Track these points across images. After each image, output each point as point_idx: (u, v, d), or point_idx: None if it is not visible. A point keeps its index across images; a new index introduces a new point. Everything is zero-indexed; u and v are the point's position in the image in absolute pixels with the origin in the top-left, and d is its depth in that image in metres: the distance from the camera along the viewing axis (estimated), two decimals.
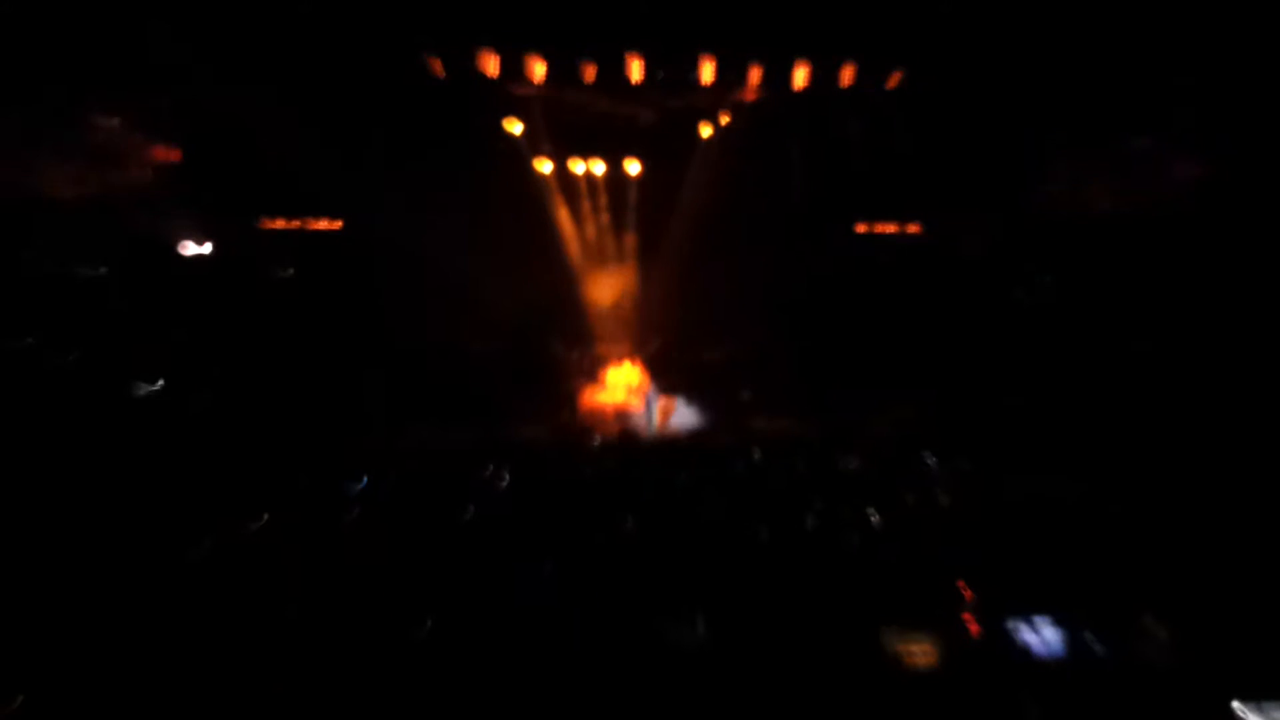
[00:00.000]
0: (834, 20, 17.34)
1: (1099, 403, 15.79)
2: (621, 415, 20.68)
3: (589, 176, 21.54)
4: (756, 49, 19.03)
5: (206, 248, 18.28)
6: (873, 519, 10.69)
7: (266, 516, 11.51)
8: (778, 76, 19.51)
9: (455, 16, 17.17)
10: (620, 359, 21.73)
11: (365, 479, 13.99)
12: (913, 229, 21.15)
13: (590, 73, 18.66)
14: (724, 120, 20.83)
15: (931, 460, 14.31)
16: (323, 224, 19.13)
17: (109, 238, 17.17)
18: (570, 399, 21.18)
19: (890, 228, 21.31)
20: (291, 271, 19.38)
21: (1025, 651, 7.28)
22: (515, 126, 20.16)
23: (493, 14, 17.13)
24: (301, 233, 19.17)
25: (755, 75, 19.42)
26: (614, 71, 18.87)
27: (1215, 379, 15.16)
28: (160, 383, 16.51)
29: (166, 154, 17.54)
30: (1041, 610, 7.52)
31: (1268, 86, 15.47)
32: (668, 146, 21.24)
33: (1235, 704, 6.21)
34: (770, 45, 18.77)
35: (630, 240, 22.27)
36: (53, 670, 6.85)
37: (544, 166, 20.97)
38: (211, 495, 12.40)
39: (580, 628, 8.18)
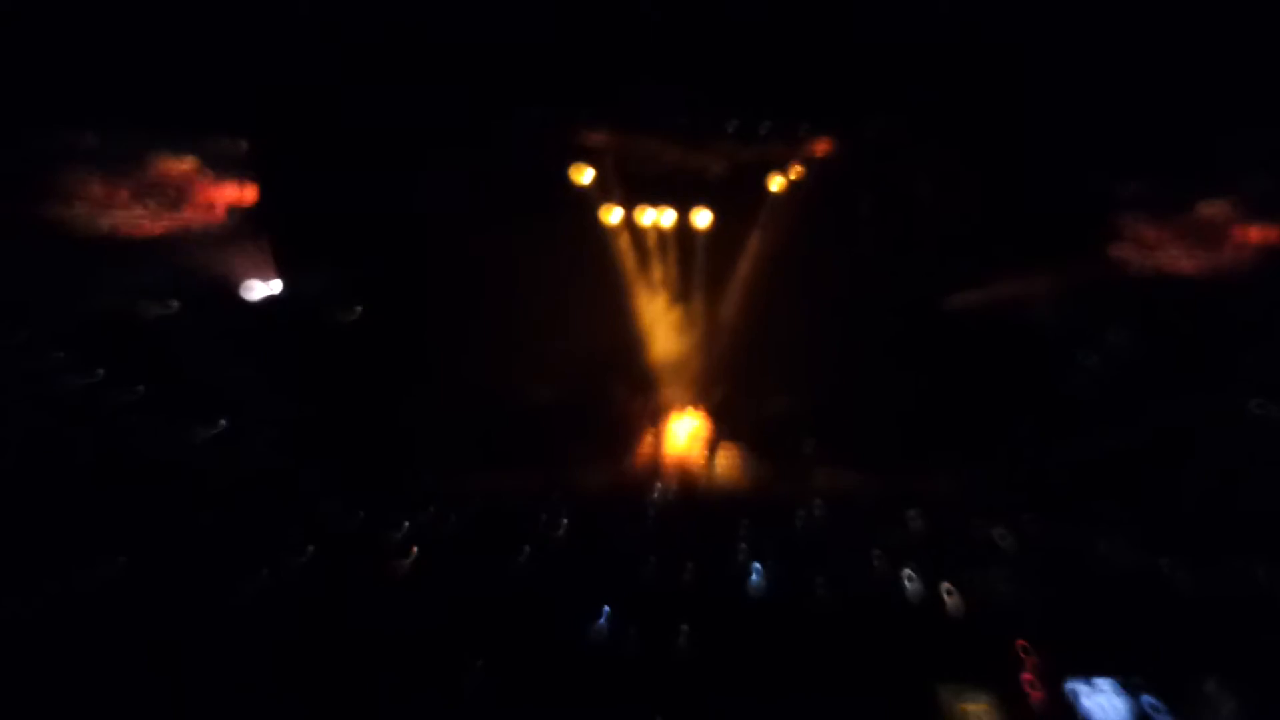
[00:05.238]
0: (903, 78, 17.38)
1: (1163, 468, 15.54)
2: (683, 464, 20.59)
3: (657, 226, 21.54)
4: (823, 111, 19.17)
5: (275, 287, 18.44)
6: (948, 596, 10.53)
7: (312, 549, 11.54)
8: (847, 132, 19.59)
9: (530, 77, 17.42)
10: (683, 407, 21.65)
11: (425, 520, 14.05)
12: (982, 289, 20.97)
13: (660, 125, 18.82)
14: (795, 173, 20.80)
15: (997, 530, 14.10)
16: (387, 266, 19.17)
17: (179, 276, 17.38)
18: (631, 446, 21.12)
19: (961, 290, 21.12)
20: (359, 311, 19.50)
21: (1085, 718, 7.13)
22: (584, 175, 20.23)
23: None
24: (367, 275, 19.28)
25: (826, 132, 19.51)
26: (683, 123, 19.00)
27: None
28: (223, 423, 16.65)
29: (240, 194, 17.75)
30: (1102, 673, 7.37)
31: None
32: (737, 198, 21.22)
33: None
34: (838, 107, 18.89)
35: (697, 290, 22.25)
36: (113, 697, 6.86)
37: (612, 215, 21.00)
38: (270, 531, 12.48)
39: (634, 673, 8.13)
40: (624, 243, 21.50)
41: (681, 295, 22.14)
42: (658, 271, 21.91)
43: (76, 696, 6.81)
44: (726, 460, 20.41)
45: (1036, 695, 7.42)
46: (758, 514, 15.77)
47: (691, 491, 18.89)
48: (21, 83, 15.48)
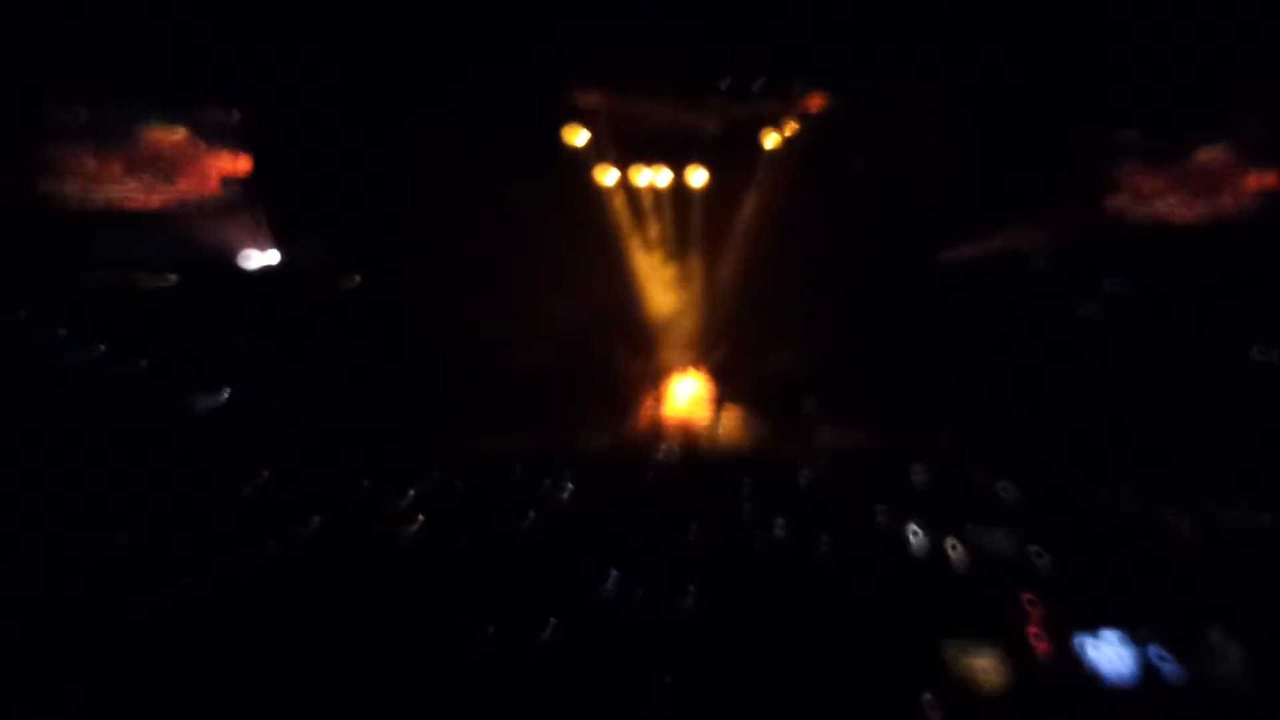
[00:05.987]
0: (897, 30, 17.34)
1: (1166, 417, 15.56)
2: (684, 424, 20.61)
3: (653, 187, 21.48)
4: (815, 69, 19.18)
5: (272, 257, 18.42)
6: (952, 550, 10.56)
7: (318, 520, 11.56)
8: (842, 87, 19.57)
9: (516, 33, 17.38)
10: (684, 368, 21.64)
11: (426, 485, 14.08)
12: (981, 242, 20.91)
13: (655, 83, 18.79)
14: (790, 129, 20.74)
15: (1001, 483, 14.12)
16: (383, 233, 19.11)
17: (176, 248, 17.37)
18: (632, 408, 21.13)
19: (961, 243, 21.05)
20: (358, 280, 19.48)
21: (1092, 670, 7.17)
22: (578, 136, 20.17)
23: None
24: (362, 242, 19.24)
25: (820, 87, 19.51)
26: (678, 82, 18.97)
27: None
28: (226, 392, 16.66)
29: (234, 164, 17.71)
30: (1108, 624, 7.40)
31: None
32: (732, 156, 21.17)
33: None
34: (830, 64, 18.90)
35: (694, 249, 22.20)
36: (104, 674, 6.89)
37: (607, 176, 20.94)
38: (273, 501, 12.52)
39: (642, 635, 8.16)
40: (620, 204, 21.44)
41: (679, 256, 22.09)
42: (654, 232, 21.86)
43: (80, 666, 6.85)
44: (728, 420, 20.43)
45: (1042, 648, 7.45)
46: (761, 473, 15.81)
47: (693, 452, 18.93)
48: (13, 56, 15.45)
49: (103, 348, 15.77)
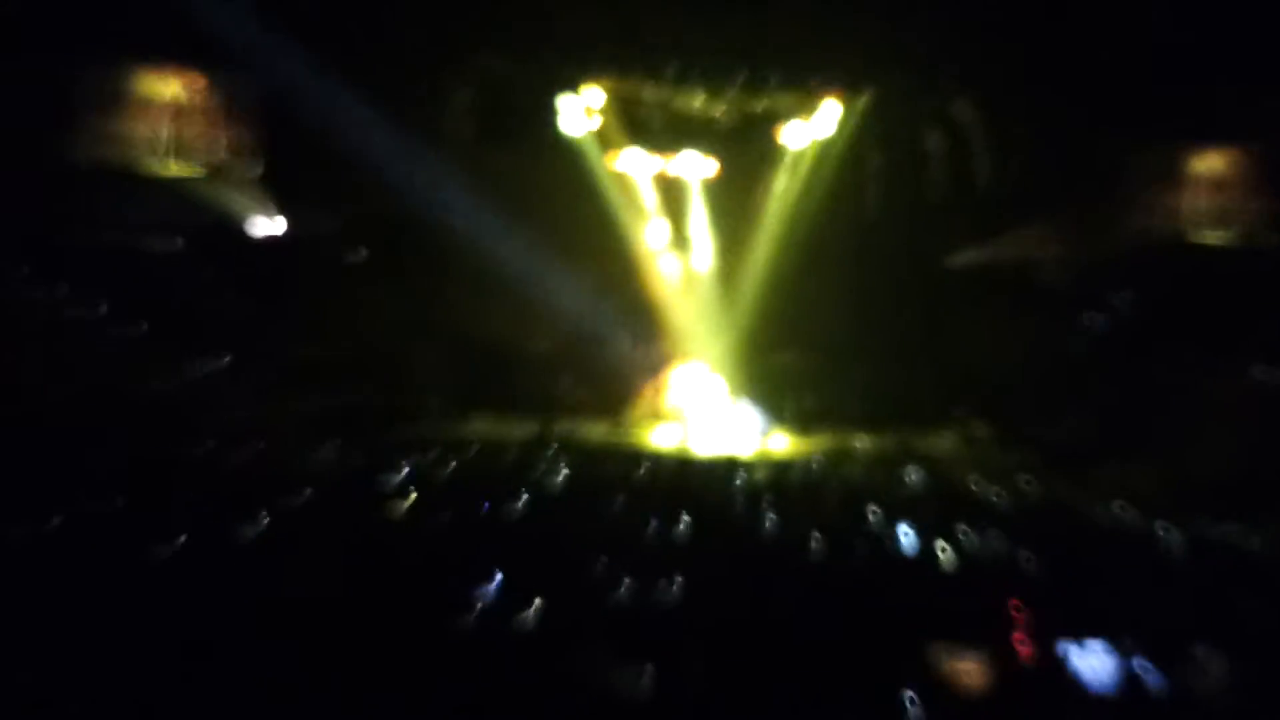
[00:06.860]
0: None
1: (1163, 430, 15.57)
2: (683, 414, 20.60)
3: (663, 175, 21.48)
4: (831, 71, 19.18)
5: (278, 226, 18.43)
6: (942, 553, 10.55)
7: (312, 490, 11.54)
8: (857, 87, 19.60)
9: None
10: (686, 358, 21.64)
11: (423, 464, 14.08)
12: (988, 249, 20.90)
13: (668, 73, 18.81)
14: (804, 126, 20.74)
15: (994, 489, 14.12)
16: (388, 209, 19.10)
17: (184, 212, 17.37)
18: (631, 397, 21.14)
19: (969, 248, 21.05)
20: (364, 254, 19.49)
21: (1075, 678, 7.17)
22: (591, 121, 20.17)
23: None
24: (370, 218, 19.24)
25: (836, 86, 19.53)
26: (693, 72, 18.97)
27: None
28: (227, 358, 16.64)
29: (244, 133, 17.72)
30: (1094, 634, 7.39)
31: None
32: (744, 149, 21.22)
33: None
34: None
35: (701, 241, 22.20)
36: (85, 640, 6.90)
37: (617, 163, 20.94)
38: (268, 472, 12.52)
39: (628, 623, 8.16)
40: (629, 191, 21.46)
41: (685, 246, 22.10)
42: (662, 221, 21.86)
43: (67, 632, 6.84)
44: (727, 413, 20.42)
45: (1026, 654, 7.44)
46: (755, 468, 15.83)
47: (690, 442, 18.93)
48: (25, 14, 15.44)
49: (104, 308, 15.75)
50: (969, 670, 7.02)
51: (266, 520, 10.29)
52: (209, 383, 16.09)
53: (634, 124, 20.85)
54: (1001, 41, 17.44)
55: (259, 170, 17.91)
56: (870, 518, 11.98)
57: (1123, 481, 13.75)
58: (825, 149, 21.07)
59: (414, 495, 12.17)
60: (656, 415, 20.72)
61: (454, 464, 14.56)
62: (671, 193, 21.90)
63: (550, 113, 20.16)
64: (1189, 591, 8.93)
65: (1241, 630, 7.66)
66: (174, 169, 17.44)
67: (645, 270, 22.03)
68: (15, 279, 15.02)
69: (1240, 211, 17.59)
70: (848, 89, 20.28)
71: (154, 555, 8.79)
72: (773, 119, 20.97)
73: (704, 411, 20.46)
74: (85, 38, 16.20)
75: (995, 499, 13.45)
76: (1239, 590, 8.74)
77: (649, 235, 21.94)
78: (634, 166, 21.38)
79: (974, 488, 14.26)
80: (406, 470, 13.55)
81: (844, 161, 21.21)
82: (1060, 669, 7.28)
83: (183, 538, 9.12)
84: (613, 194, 21.37)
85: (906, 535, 11.15)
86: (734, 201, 21.90)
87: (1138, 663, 7.12)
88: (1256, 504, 11.90)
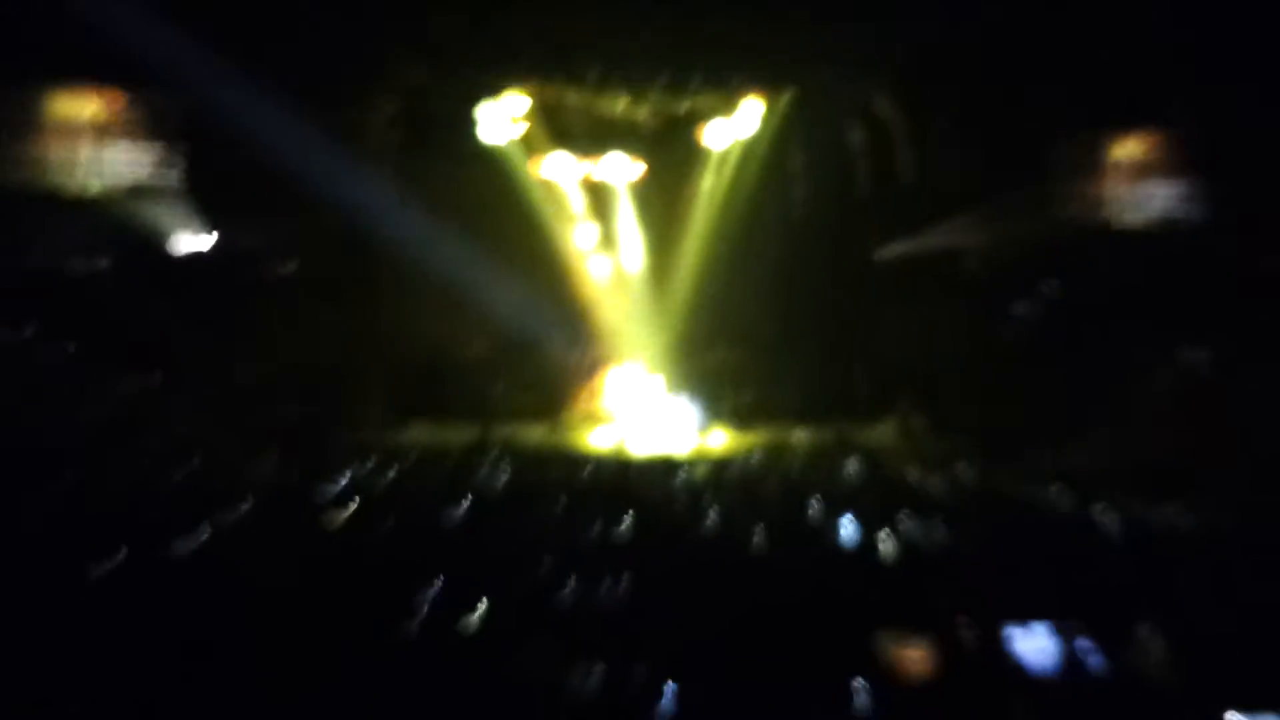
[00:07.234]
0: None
1: (1096, 414, 15.73)
2: (620, 416, 20.63)
3: (589, 179, 21.51)
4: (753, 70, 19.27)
5: (206, 242, 18.24)
6: (882, 544, 10.61)
7: (251, 503, 11.45)
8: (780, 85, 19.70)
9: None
10: (621, 359, 21.66)
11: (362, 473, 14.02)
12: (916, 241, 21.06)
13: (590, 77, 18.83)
14: (728, 125, 20.83)
15: (933, 478, 14.24)
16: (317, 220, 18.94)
17: (107, 231, 17.16)
18: (569, 400, 21.15)
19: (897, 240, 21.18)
20: (293, 267, 19.32)
21: (1019, 661, 7.23)
22: (516, 127, 20.16)
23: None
24: (298, 231, 19.06)
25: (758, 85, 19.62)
26: (615, 75, 18.99)
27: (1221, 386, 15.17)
28: (159, 376, 16.44)
29: (167, 150, 17.53)
30: (1037, 617, 7.46)
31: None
32: (670, 150, 21.29)
33: (1229, 715, 6.15)
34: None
35: (631, 242, 22.24)
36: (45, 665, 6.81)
37: (543, 168, 20.95)
38: (206, 487, 12.39)
39: (576, 623, 8.15)
40: (556, 195, 21.47)
41: (615, 248, 22.13)
42: (591, 224, 21.89)
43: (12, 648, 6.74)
44: (665, 412, 20.46)
45: (971, 639, 7.49)
46: (695, 465, 15.87)
47: (629, 444, 18.95)
48: None
49: (29, 330, 15.52)
50: (915, 657, 7.06)
51: (207, 534, 10.19)
52: (142, 400, 15.89)
53: (558, 129, 20.86)
54: (921, 34, 17.55)
55: (184, 187, 17.68)
56: (811, 510, 12.03)
57: (1059, 466, 13.94)
58: (750, 147, 21.19)
59: (355, 504, 12.10)
60: (594, 417, 20.75)
61: (394, 471, 14.50)
62: (599, 196, 21.93)
63: (473, 122, 20.14)
64: (1129, 572, 9.05)
65: (1181, 609, 7.77)
66: (97, 189, 17.17)
67: (577, 273, 22.04)
68: None
69: (1161, 196, 17.75)
70: (769, 88, 20.40)
71: (91, 572, 8.67)
72: (697, 119, 21.05)
73: (641, 411, 20.50)
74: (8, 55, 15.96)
75: (933, 488, 13.55)
76: (1178, 570, 8.86)
77: (579, 239, 21.95)
78: (560, 171, 21.39)
79: (912, 478, 14.39)
80: (346, 479, 13.49)
81: (769, 159, 21.36)
82: (1004, 652, 7.33)
83: (122, 553, 8.99)
84: (540, 199, 21.37)
85: (847, 527, 11.21)
86: (662, 202, 21.98)
87: (1080, 644, 7.18)
88: (1191, 484, 12.08)
